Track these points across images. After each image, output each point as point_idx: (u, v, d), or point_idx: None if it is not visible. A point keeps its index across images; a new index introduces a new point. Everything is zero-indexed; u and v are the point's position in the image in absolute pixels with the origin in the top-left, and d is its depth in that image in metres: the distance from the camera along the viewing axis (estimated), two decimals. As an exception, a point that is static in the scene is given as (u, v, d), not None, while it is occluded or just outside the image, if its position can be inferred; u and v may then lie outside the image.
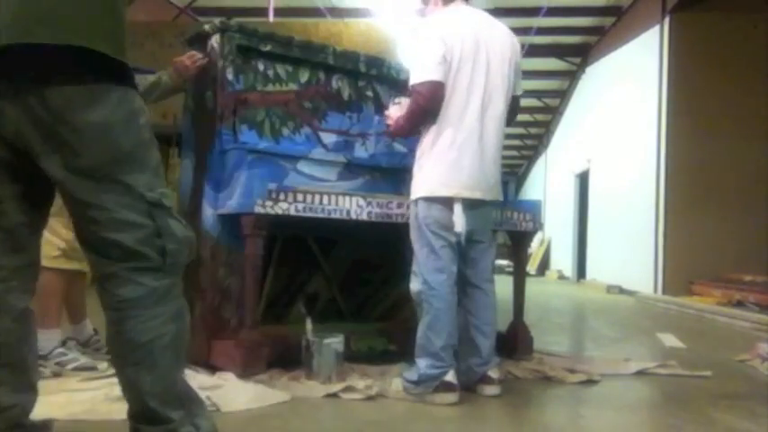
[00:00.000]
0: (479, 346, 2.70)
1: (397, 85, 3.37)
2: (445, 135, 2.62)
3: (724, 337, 5.32)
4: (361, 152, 3.30)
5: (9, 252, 1.61)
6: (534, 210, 3.36)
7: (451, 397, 2.55)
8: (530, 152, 20.99)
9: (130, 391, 1.58)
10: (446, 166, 2.61)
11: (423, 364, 2.58)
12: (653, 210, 9.14)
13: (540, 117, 17.61)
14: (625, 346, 4.39)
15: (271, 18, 11.01)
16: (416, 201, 2.67)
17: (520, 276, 3.52)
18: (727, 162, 8.54)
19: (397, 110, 2.82)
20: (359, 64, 3.36)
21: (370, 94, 3.41)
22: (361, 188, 3.09)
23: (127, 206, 1.52)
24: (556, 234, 15.67)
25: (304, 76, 3.22)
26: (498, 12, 10.02)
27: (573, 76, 14.39)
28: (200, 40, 3.10)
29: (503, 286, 4.11)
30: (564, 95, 15.60)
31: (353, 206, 2.84)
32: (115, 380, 2.58)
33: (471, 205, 2.66)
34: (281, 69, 3.15)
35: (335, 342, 2.76)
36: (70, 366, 2.76)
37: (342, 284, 3.52)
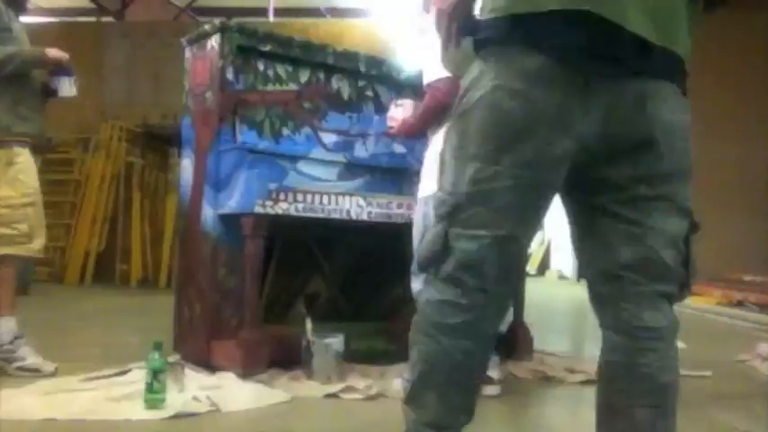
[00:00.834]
0: None
1: (398, 85, 3.37)
2: None
3: (724, 337, 5.32)
4: (361, 152, 3.30)
5: None
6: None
7: None
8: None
9: None
10: None
11: None
12: (653, 210, 9.13)
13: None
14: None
15: (271, 18, 11.02)
16: (426, 200, 2.65)
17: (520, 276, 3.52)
18: (728, 162, 8.53)
19: (399, 112, 2.81)
20: (359, 64, 3.35)
21: (370, 94, 3.41)
22: (361, 188, 3.09)
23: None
24: (556, 234, 15.66)
25: (304, 75, 3.22)
26: (498, 12, 10.01)
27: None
28: (199, 40, 3.10)
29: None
30: (564, 95, 15.57)
31: (353, 206, 2.84)
32: (115, 380, 2.61)
33: None
34: (281, 69, 3.15)
35: (335, 342, 2.76)
36: (15, 365, 2.72)
37: (342, 284, 3.52)
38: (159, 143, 8.35)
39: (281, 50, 3.12)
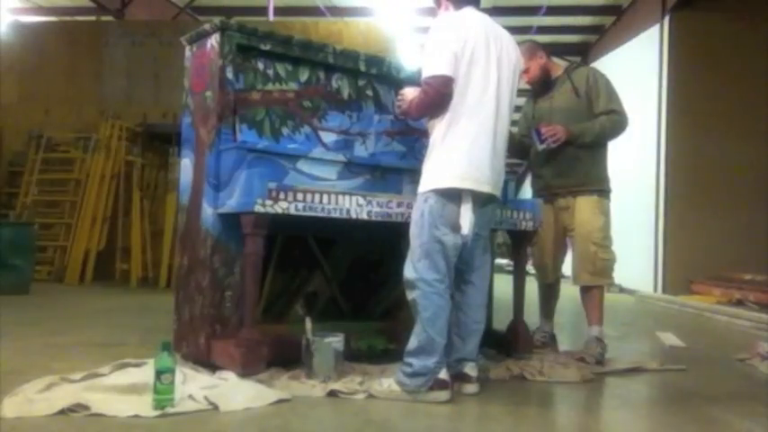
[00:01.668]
0: (465, 343, 2.73)
1: (397, 84, 3.36)
2: (460, 127, 2.64)
3: (724, 336, 5.32)
4: (360, 151, 3.30)
5: None
6: (534, 209, 3.37)
7: (445, 395, 2.56)
8: (530, 151, 20.94)
9: None
10: (459, 159, 2.63)
11: (419, 358, 2.58)
12: (653, 209, 9.13)
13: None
14: (625, 346, 4.39)
15: (271, 17, 11.02)
16: (426, 195, 2.66)
17: (520, 276, 3.52)
18: (728, 161, 8.53)
19: (412, 91, 2.83)
20: (359, 63, 3.35)
21: (369, 93, 3.41)
22: (361, 187, 3.09)
23: None
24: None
25: (304, 75, 3.22)
26: (498, 11, 10.02)
27: (573, 76, 14.37)
28: (199, 39, 3.10)
29: (503, 285, 4.12)
30: (564, 94, 15.56)
31: (353, 205, 2.84)
32: (115, 380, 2.61)
33: (479, 200, 2.68)
34: (281, 68, 3.15)
35: (335, 341, 2.76)
36: None
37: (342, 284, 3.51)
38: (159, 142, 8.35)
39: (281, 49, 3.12)
